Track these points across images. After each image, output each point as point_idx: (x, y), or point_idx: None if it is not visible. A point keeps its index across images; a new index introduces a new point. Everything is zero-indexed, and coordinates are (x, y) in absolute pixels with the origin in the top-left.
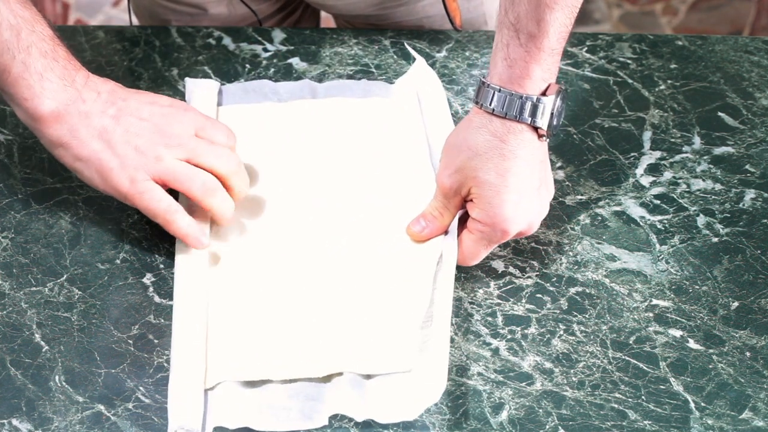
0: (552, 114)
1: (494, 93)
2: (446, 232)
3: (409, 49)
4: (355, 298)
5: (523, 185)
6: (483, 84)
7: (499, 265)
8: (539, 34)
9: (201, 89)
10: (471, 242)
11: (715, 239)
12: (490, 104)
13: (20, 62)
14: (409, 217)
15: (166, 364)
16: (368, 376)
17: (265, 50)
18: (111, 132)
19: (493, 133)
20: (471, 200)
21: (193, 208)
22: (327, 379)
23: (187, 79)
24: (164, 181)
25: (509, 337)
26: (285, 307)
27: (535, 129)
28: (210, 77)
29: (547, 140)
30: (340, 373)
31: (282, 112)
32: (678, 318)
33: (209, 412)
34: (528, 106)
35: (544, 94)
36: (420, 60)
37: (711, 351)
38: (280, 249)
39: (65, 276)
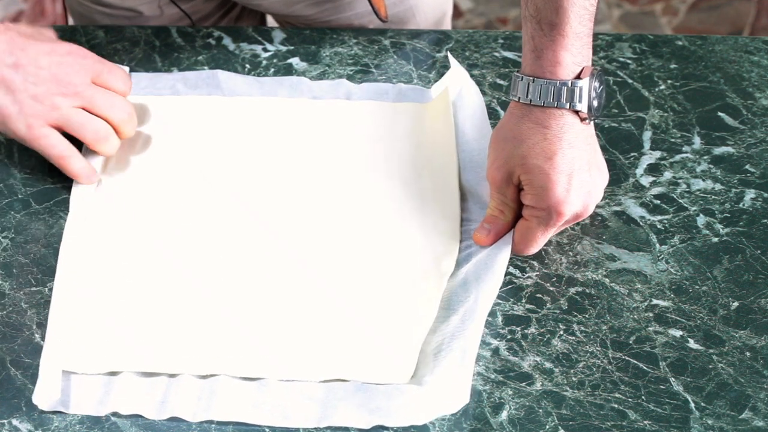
0: (590, 96)
1: (528, 84)
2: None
3: (449, 56)
4: (355, 304)
5: (572, 166)
6: (516, 77)
7: None
8: (560, 22)
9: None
10: (527, 229)
11: (715, 239)
12: (527, 95)
13: None
14: (417, 219)
15: None
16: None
17: (265, 50)
18: (10, 81)
19: (535, 121)
20: (522, 189)
21: None
22: (328, 381)
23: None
24: (60, 127)
25: (509, 337)
26: (270, 305)
27: (576, 113)
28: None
29: (590, 122)
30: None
31: (272, 109)
32: (678, 318)
33: (205, 400)
34: (564, 91)
35: (578, 77)
36: (456, 66)
37: (711, 351)
38: (272, 246)
39: None
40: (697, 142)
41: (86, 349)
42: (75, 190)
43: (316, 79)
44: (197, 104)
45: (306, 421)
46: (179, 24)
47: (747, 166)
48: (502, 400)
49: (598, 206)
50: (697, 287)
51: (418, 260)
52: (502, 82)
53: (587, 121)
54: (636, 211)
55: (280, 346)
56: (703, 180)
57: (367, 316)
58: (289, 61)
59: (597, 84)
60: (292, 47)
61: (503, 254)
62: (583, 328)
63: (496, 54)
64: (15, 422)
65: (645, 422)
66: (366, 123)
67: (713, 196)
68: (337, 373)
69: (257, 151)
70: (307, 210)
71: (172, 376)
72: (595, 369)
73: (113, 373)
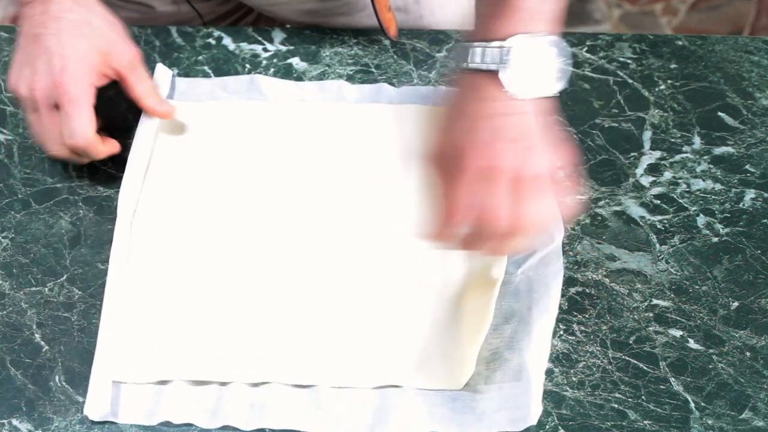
0: (521, 62)
1: (455, 49)
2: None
3: None
4: (406, 310)
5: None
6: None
7: None
8: None
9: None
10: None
11: (715, 239)
12: (462, 60)
13: None
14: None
15: None
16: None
17: (265, 50)
18: (25, 44)
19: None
20: None
21: None
22: (381, 387)
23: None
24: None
25: None
26: (322, 312)
27: (494, 78)
28: (210, 77)
29: (509, 93)
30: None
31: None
32: (678, 318)
33: (258, 408)
34: (477, 51)
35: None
36: None
37: (711, 351)
38: (324, 253)
39: (65, 276)
40: (697, 142)
41: (136, 359)
42: (122, 193)
43: (316, 80)
44: (238, 110)
45: (359, 428)
46: (190, 24)
47: (747, 166)
48: None
49: (598, 206)
50: (697, 287)
51: (467, 267)
52: None
53: (512, 93)
54: (636, 211)
55: (332, 354)
56: (703, 180)
57: (418, 323)
58: (289, 61)
59: (536, 50)
60: (292, 47)
61: (556, 265)
62: (583, 328)
63: None
64: (15, 422)
65: (645, 422)
66: (410, 126)
67: (713, 196)
68: (390, 380)
69: (303, 157)
70: (356, 216)
71: (224, 384)
72: (595, 369)
73: (163, 383)
